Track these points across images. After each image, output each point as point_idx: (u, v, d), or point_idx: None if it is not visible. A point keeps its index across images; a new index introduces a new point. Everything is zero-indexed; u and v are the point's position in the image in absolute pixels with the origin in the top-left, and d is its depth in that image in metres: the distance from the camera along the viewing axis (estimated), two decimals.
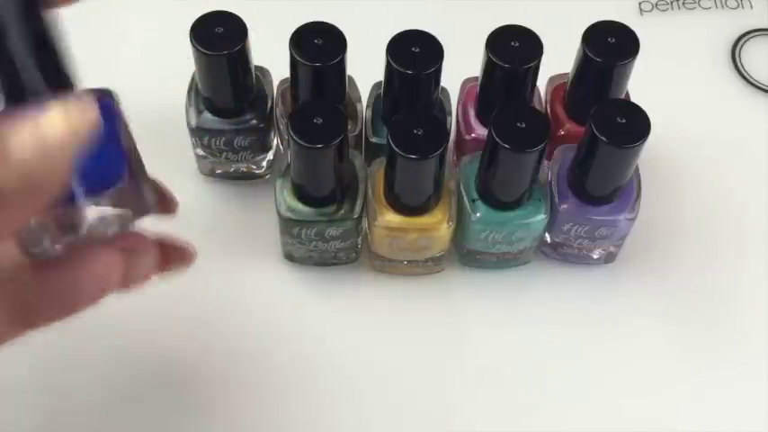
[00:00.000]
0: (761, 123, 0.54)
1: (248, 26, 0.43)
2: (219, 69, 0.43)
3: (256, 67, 0.46)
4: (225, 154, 0.47)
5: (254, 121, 0.46)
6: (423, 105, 0.44)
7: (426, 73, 0.42)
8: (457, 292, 0.48)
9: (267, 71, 0.47)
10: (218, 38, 0.42)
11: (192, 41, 0.42)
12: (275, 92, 0.47)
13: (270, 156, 0.49)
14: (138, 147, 0.33)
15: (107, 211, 0.32)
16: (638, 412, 0.45)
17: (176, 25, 0.45)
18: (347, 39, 0.43)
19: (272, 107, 0.47)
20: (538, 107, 0.46)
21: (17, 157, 0.27)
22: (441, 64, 0.42)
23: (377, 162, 0.44)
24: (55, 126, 0.28)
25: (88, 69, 0.29)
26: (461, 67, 0.45)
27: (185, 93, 0.46)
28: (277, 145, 0.49)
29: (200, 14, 0.43)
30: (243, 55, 0.43)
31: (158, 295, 0.47)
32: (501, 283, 0.48)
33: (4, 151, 0.27)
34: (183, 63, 0.45)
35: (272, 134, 0.48)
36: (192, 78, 0.46)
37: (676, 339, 0.47)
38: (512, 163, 0.41)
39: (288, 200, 0.44)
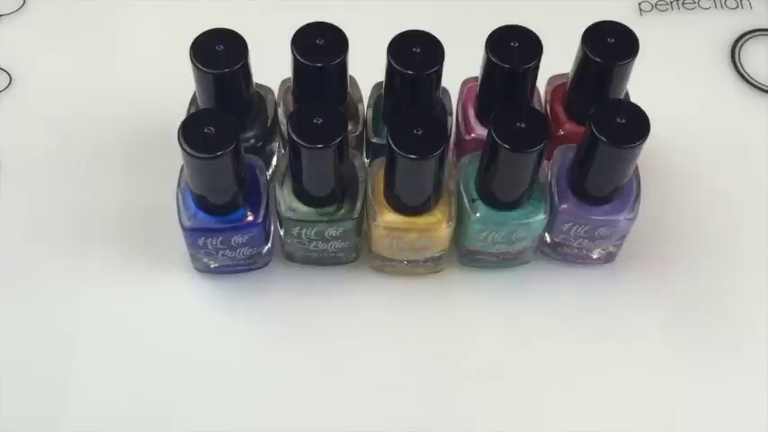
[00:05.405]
0: (761, 123, 0.54)
1: (249, 26, 0.43)
2: (219, 88, 0.42)
3: (257, 84, 0.45)
4: None
5: (253, 141, 0.45)
6: (424, 105, 0.44)
7: (427, 73, 0.42)
8: (457, 292, 0.48)
9: (269, 89, 0.46)
10: (219, 56, 0.41)
11: (192, 59, 0.41)
12: (277, 94, 0.46)
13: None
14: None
15: None
16: (638, 412, 0.45)
17: (177, 40, 0.45)
18: (349, 39, 0.43)
19: (271, 126, 0.46)
20: (538, 107, 0.46)
21: None
22: (442, 64, 0.42)
23: (377, 162, 0.44)
24: None
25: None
26: (461, 67, 0.45)
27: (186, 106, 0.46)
28: (278, 150, 0.49)
29: (201, 23, 0.42)
30: (243, 72, 0.42)
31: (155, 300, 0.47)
32: (501, 283, 0.48)
33: None
34: (183, 77, 0.44)
35: (272, 149, 0.48)
36: (193, 95, 0.46)
37: (676, 339, 0.47)
38: (511, 163, 0.41)
39: (288, 200, 0.44)
